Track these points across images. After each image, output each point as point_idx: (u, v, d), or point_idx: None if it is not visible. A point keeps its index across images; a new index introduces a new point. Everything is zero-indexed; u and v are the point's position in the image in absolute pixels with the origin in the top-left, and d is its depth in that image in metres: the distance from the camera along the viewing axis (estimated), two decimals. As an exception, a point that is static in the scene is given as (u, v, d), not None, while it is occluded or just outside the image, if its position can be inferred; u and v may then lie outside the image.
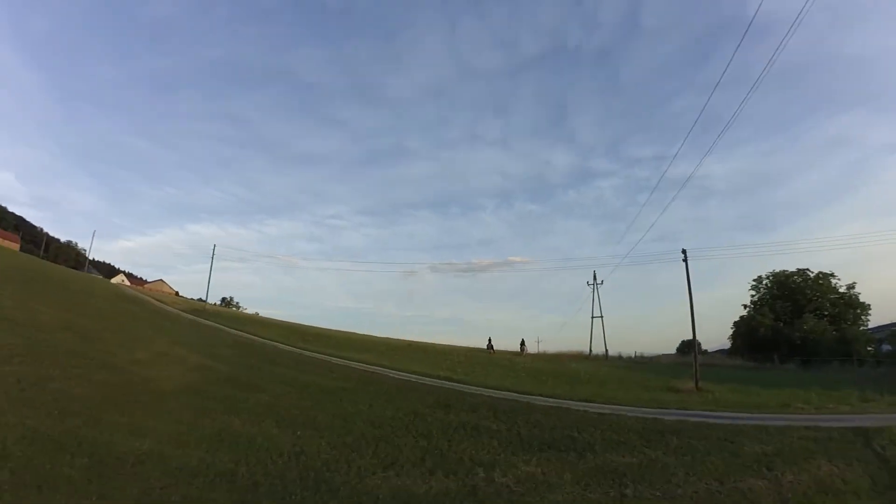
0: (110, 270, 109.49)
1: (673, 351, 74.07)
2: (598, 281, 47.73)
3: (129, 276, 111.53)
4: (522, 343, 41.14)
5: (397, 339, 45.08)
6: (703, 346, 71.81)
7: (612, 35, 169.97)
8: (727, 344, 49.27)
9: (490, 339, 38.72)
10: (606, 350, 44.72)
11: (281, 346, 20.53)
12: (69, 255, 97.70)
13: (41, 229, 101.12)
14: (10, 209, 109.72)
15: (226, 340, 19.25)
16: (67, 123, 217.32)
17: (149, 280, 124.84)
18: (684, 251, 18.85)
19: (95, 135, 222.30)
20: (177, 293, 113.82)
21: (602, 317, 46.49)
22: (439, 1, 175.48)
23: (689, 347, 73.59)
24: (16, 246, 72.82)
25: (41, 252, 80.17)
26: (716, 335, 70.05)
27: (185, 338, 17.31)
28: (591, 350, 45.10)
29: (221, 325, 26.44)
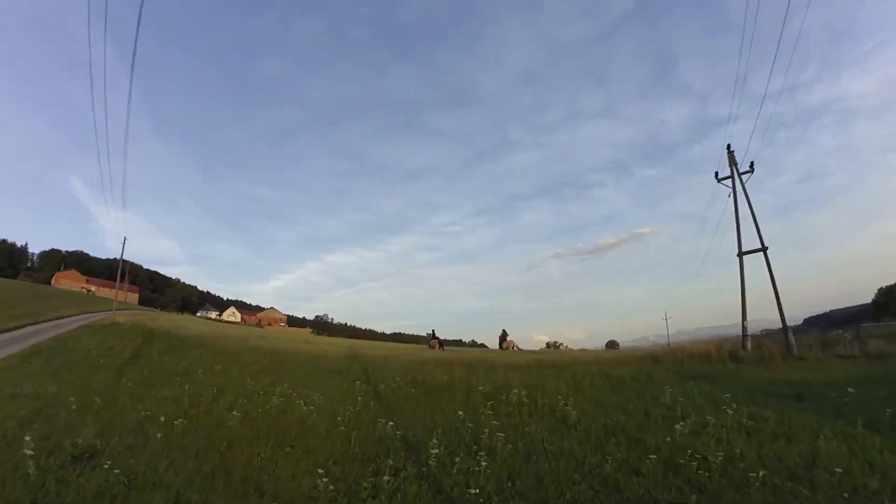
0: (225, 304, 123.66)
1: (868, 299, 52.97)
2: (746, 167, 18.89)
3: (241, 306, 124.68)
4: (504, 335, 30.90)
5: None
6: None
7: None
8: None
9: (504, 332, 31.30)
10: (786, 330, 16.65)
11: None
12: (188, 293, 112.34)
13: (177, 279, 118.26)
14: (168, 273, 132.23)
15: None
16: (207, 186, 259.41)
17: (264, 307, 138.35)
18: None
19: (230, 192, 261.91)
20: (287, 317, 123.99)
21: (766, 249, 17.80)
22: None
23: (890, 297, 47.69)
24: (135, 296, 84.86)
25: (160, 296, 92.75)
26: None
27: None
28: (744, 329, 17.31)
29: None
